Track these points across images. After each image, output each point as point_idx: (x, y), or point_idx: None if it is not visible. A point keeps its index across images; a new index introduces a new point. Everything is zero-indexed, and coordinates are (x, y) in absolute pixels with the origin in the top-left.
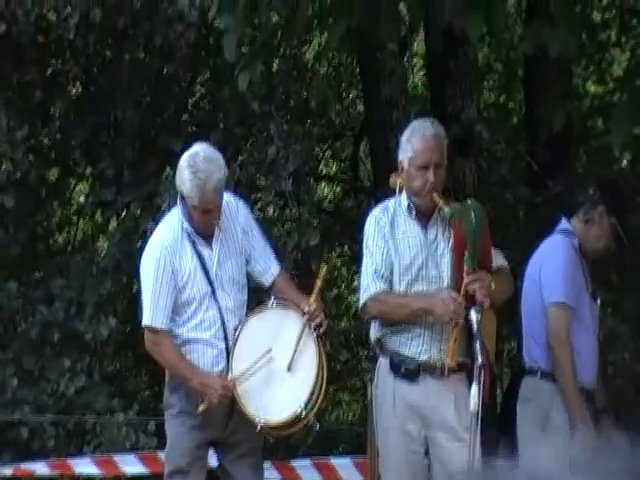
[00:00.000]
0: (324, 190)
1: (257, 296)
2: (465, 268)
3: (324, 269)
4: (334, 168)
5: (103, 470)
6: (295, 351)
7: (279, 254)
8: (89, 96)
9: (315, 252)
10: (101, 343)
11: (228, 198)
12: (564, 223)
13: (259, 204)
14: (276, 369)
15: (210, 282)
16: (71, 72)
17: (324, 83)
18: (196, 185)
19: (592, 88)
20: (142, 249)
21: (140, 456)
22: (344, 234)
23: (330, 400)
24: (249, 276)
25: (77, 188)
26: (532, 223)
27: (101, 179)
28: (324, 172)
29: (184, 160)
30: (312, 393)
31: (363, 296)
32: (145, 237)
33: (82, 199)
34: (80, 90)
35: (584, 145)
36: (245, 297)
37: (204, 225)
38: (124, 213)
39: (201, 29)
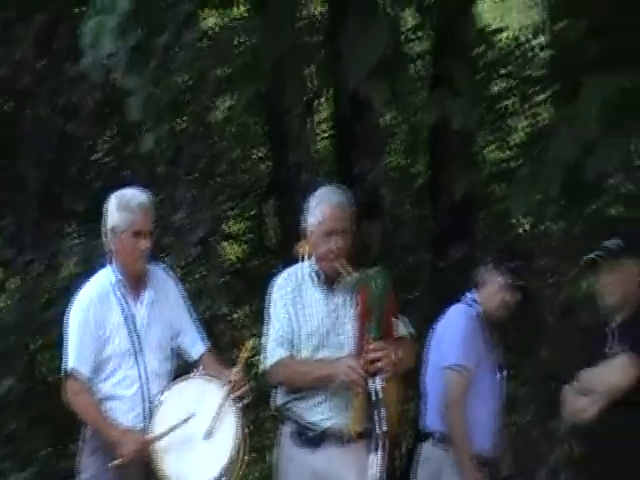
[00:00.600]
0: (230, 249)
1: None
2: (370, 336)
3: (250, 342)
4: (240, 227)
5: None
6: (215, 419)
7: None
8: None
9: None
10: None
11: (158, 269)
12: (471, 292)
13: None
14: (195, 436)
15: (135, 340)
16: None
17: (232, 143)
18: (124, 205)
19: (492, 155)
20: (43, 308)
21: None
22: (249, 293)
23: None
24: (176, 350)
25: None
26: (436, 288)
27: (1, 237)
28: (229, 231)
29: (110, 199)
30: (229, 463)
31: (267, 362)
32: (48, 296)
33: None
34: None
35: (484, 211)
36: (170, 368)
37: (137, 256)
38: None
39: (105, 88)
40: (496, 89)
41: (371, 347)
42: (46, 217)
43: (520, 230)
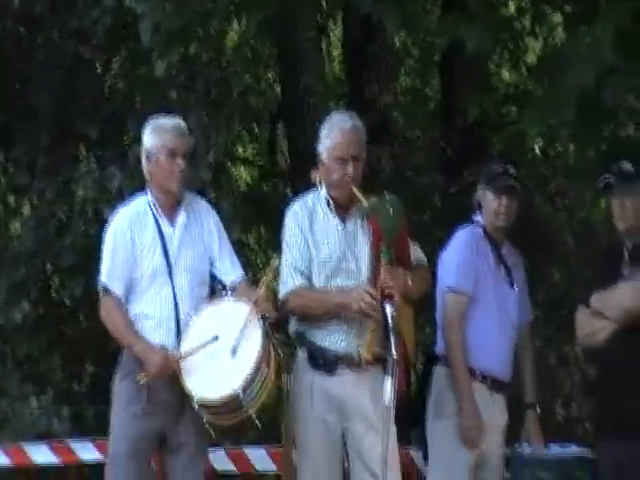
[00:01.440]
0: (241, 173)
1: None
2: (382, 262)
3: (274, 262)
4: (250, 151)
5: (14, 460)
6: (240, 336)
7: None
8: (2, 79)
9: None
10: (14, 328)
11: (195, 196)
12: (477, 215)
13: None
14: (221, 352)
15: (167, 261)
16: None
17: (244, 68)
18: (159, 127)
19: (506, 75)
20: (57, 234)
21: (52, 446)
22: (261, 217)
23: None
24: (213, 276)
25: None
26: (447, 212)
27: (15, 164)
28: (241, 155)
29: (145, 126)
30: (252, 378)
31: (282, 291)
32: (61, 222)
33: None
34: None
35: (498, 133)
36: (204, 293)
37: (173, 176)
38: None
39: (117, 13)
40: (510, 10)
41: (382, 273)
42: (59, 143)
43: (534, 153)
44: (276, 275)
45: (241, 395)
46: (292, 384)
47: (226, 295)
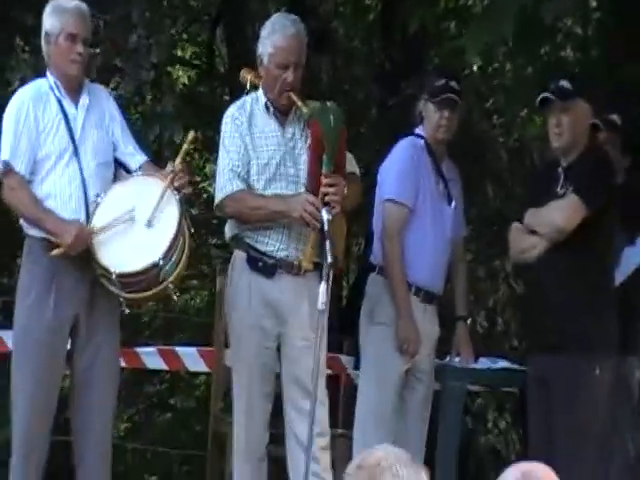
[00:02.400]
0: (179, 74)
1: None
2: (322, 171)
3: (190, 135)
4: (189, 52)
5: None
6: (156, 208)
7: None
8: None
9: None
10: None
11: (94, 84)
12: (419, 128)
13: (118, 90)
14: (136, 225)
15: (72, 140)
16: None
17: None
18: (59, 9)
19: None
20: None
21: None
22: (198, 119)
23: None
24: (117, 161)
25: None
26: (384, 125)
27: None
28: (179, 56)
29: (46, 6)
30: (171, 247)
31: (219, 195)
32: None
33: None
34: None
35: (437, 48)
36: (110, 176)
37: (72, 59)
38: None
39: None
40: None
41: (324, 181)
42: None
43: (472, 69)
44: (193, 147)
45: (161, 263)
46: (229, 283)
47: (135, 172)
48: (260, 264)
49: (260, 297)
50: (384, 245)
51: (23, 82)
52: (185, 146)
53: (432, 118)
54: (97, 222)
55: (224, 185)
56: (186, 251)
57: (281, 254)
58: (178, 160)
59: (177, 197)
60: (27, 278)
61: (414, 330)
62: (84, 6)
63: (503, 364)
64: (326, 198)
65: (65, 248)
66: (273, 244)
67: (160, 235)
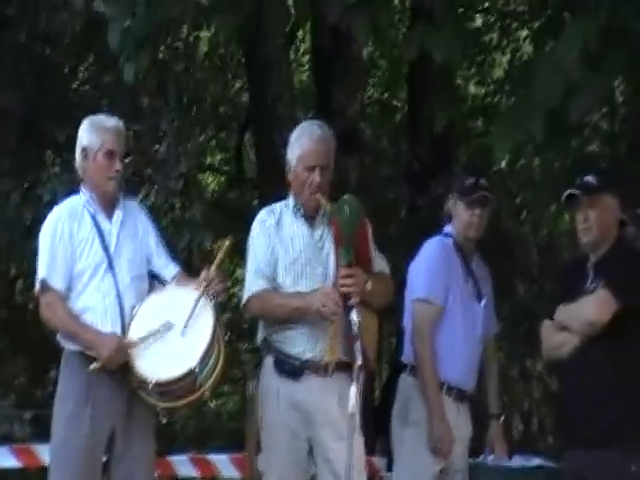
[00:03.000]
0: (208, 180)
1: None
2: (340, 262)
3: (226, 242)
4: (218, 159)
5: None
6: (191, 315)
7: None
8: None
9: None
10: None
11: (128, 199)
12: (447, 227)
13: (148, 198)
14: (171, 334)
15: (107, 254)
16: None
17: (213, 75)
18: (96, 125)
19: (473, 89)
20: (23, 237)
21: (14, 449)
22: (228, 226)
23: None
24: (150, 273)
25: None
26: (413, 224)
27: None
28: (208, 162)
29: (83, 122)
30: (206, 353)
31: (245, 295)
32: (27, 225)
33: None
34: None
35: (465, 145)
36: (145, 288)
37: (110, 176)
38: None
39: (86, 16)
40: (477, 23)
41: (341, 272)
42: (26, 146)
43: (500, 166)
44: (227, 255)
45: (197, 370)
46: (258, 390)
47: (170, 282)
48: (287, 367)
49: (288, 400)
50: (415, 344)
51: (54, 197)
52: (221, 253)
53: (463, 217)
54: (133, 334)
55: (250, 285)
56: (222, 358)
57: (308, 355)
58: (214, 267)
59: (211, 305)
60: (64, 390)
61: (447, 430)
62: (122, 124)
63: (538, 462)
64: (342, 289)
65: (103, 362)
66: (299, 346)
67: (195, 342)
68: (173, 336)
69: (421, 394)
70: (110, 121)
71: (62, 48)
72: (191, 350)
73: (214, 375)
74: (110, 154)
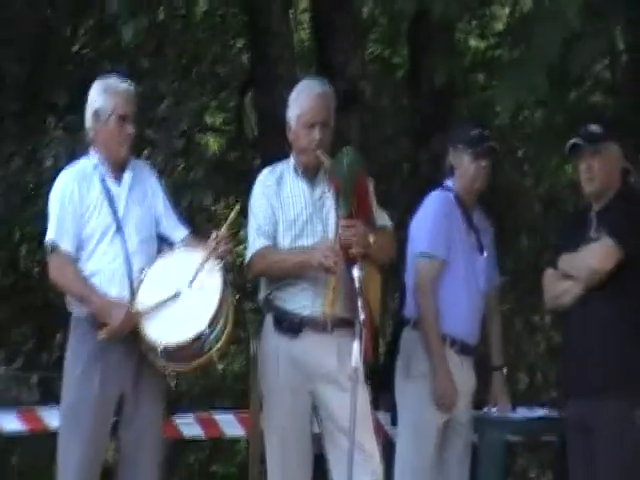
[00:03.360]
0: (209, 141)
1: None
2: (339, 214)
3: (237, 205)
4: (219, 119)
5: None
6: (195, 277)
7: None
8: None
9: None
10: None
11: (137, 160)
12: (448, 180)
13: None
14: (180, 297)
15: (116, 217)
16: None
17: (213, 35)
18: (109, 89)
19: (473, 42)
20: (26, 202)
21: (20, 413)
22: (229, 185)
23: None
24: (159, 236)
25: None
26: (416, 180)
27: None
28: (209, 123)
29: (94, 84)
30: (215, 316)
31: (247, 254)
32: (30, 189)
33: None
34: None
35: (466, 99)
36: (153, 251)
37: (122, 140)
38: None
39: None
40: None
41: (340, 223)
42: (27, 110)
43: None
44: (237, 218)
45: (205, 334)
46: (259, 347)
47: (177, 245)
48: (286, 324)
49: (287, 357)
50: (417, 299)
51: (56, 160)
52: (231, 215)
53: (469, 168)
54: (142, 298)
55: (251, 244)
56: (230, 320)
57: (307, 312)
58: (223, 229)
59: (219, 267)
60: (73, 355)
61: (451, 383)
62: (133, 87)
63: (541, 413)
64: (343, 240)
65: (111, 331)
66: (299, 302)
67: (204, 305)
68: (182, 301)
69: (424, 348)
70: (122, 84)
71: (62, 11)
72: (199, 313)
73: (222, 338)
74: (122, 118)
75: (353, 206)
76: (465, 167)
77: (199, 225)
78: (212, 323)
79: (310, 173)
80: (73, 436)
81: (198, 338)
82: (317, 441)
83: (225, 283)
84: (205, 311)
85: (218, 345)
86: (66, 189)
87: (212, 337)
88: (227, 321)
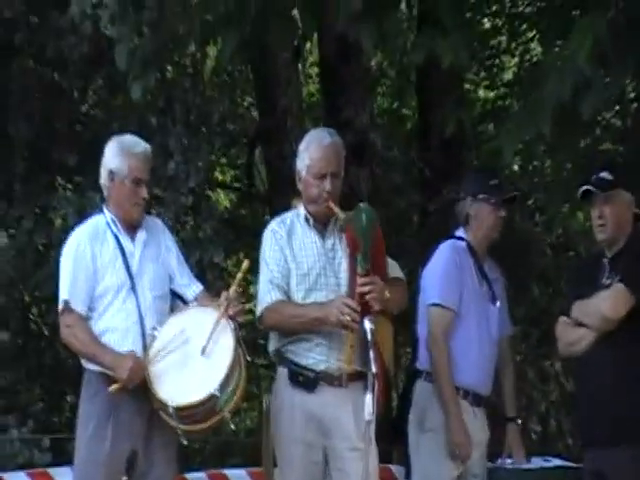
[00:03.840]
0: (220, 198)
1: None
2: (358, 271)
3: (245, 263)
4: (229, 176)
5: None
6: (211, 335)
7: None
8: None
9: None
10: None
11: (149, 216)
12: (459, 231)
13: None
14: (191, 353)
15: (130, 274)
16: None
17: (221, 92)
18: (126, 150)
19: (482, 93)
20: (36, 263)
21: (31, 474)
22: (240, 242)
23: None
24: (172, 292)
25: None
26: (426, 230)
27: None
28: (219, 179)
29: (110, 142)
30: (227, 377)
31: (259, 307)
32: (40, 250)
33: None
34: None
35: (476, 150)
36: (166, 308)
37: (136, 203)
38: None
39: (94, 39)
40: (486, 26)
41: (359, 281)
42: (35, 171)
43: (512, 168)
44: (247, 276)
45: (218, 394)
46: (274, 401)
47: (190, 304)
48: (301, 378)
49: (302, 412)
50: (430, 350)
51: (65, 221)
52: (240, 274)
53: (488, 218)
54: (153, 356)
55: (263, 297)
56: (242, 380)
57: (322, 366)
58: (233, 288)
59: (231, 326)
60: (86, 411)
61: (465, 434)
62: (149, 149)
63: (557, 462)
64: (364, 296)
65: (122, 382)
66: (313, 357)
67: (216, 366)
68: (193, 358)
69: (438, 400)
70: (138, 146)
71: (70, 72)
72: (212, 374)
73: (235, 398)
74: (137, 181)
75: (369, 262)
76: (485, 217)
77: (210, 281)
78: (224, 384)
79: (320, 223)
80: None
81: (210, 399)
82: None
83: (237, 343)
84: (217, 372)
85: (230, 405)
86: (79, 247)
87: (224, 398)
88: (239, 381)
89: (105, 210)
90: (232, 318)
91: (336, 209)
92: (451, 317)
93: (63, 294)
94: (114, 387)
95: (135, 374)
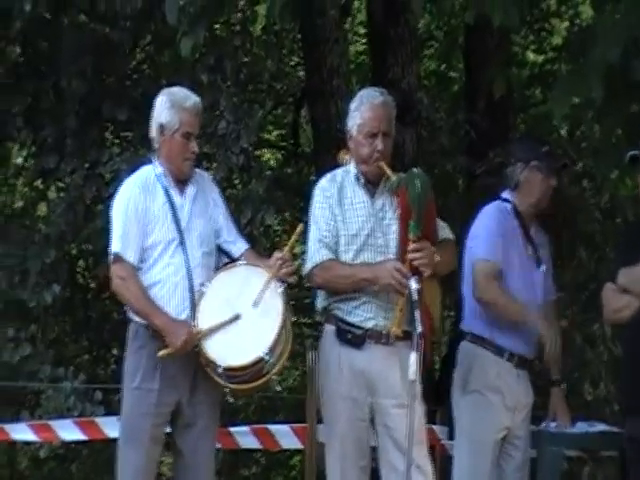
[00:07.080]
0: (266, 157)
1: None
2: (410, 236)
3: (300, 227)
4: (274, 135)
5: (40, 436)
6: (260, 300)
7: None
8: (29, 61)
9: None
10: (45, 311)
11: (200, 171)
12: (505, 193)
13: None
14: (241, 321)
15: (179, 229)
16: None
17: (268, 51)
18: (177, 103)
19: (531, 57)
20: (85, 217)
21: (78, 422)
22: (286, 201)
23: None
24: (219, 248)
25: (16, 153)
26: (472, 193)
27: (42, 146)
28: (266, 138)
29: (160, 95)
30: (276, 341)
31: (308, 264)
32: (89, 205)
33: (19, 160)
34: (19, 53)
35: (523, 114)
36: (214, 264)
37: (186, 157)
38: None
39: None
40: None
41: (410, 247)
42: (86, 126)
43: (560, 134)
44: (300, 240)
45: (266, 358)
46: (319, 360)
47: (239, 261)
48: (349, 336)
49: (350, 368)
50: (484, 299)
51: (116, 176)
52: (294, 237)
53: (540, 185)
54: (203, 316)
55: (313, 255)
56: (289, 343)
57: (369, 324)
58: (286, 250)
59: (281, 290)
60: (133, 363)
61: (545, 326)
62: (199, 103)
63: (601, 427)
64: (414, 263)
65: (174, 351)
66: (361, 315)
67: (265, 329)
68: (243, 321)
69: (481, 361)
70: (189, 100)
71: (121, 28)
72: (261, 337)
73: (281, 360)
74: (188, 136)
75: (422, 228)
76: (536, 184)
77: (257, 239)
78: (272, 348)
79: (371, 183)
80: (132, 445)
81: (258, 362)
82: (374, 452)
83: (286, 307)
84: (266, 335)
85: (277, 368)
86: (130, 199)
87: (271, 361)
88: (286, 344)
89: (155, 162)
90: (282, 280)
91: (387, 169)
92: (496, 269)
93: (115, 246)
94: (163, 352)
95: (188, 345)
